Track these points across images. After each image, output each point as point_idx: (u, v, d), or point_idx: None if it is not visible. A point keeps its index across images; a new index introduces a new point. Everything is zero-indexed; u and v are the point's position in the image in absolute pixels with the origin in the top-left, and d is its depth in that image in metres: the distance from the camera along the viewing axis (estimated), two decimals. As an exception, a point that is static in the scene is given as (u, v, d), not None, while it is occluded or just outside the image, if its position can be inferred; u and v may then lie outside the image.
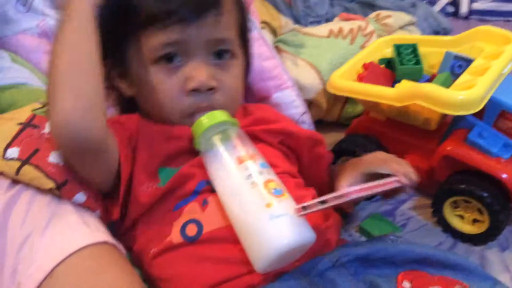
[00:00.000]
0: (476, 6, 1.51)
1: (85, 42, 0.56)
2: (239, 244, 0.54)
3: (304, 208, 0.53)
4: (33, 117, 0.63)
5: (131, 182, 0.60)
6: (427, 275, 0.56)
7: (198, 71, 0.61)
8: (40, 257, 0.53)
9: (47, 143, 0.61)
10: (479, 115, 0.76)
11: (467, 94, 0.69)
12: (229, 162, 0.57)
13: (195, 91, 0.61)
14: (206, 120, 0.59)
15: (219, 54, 0.63)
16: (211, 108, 0.61)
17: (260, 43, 0.83)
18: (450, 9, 1.51)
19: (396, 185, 0.57)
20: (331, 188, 0.69)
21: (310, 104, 0.96)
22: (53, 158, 0.60)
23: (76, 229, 0.56)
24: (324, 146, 0.73)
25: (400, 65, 0.85)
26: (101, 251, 0.55)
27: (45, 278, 0.51)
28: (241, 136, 0.60)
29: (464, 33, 0.90)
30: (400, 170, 0.61)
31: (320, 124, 0.97)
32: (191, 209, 0.59)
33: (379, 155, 0.67)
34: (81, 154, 0.55)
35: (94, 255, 0.55)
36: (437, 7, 1.50)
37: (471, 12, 1.48)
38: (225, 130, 0.59)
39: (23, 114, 0.63)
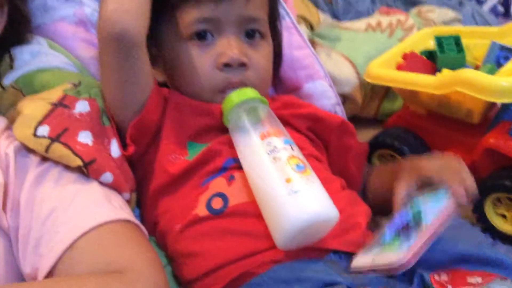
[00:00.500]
0: (529, 5, 1.44)
1: None
2: (263, 220, 0.54)
3: (355, 267, 0.53)
4: (64, 97, 0.64)
5: (156, 149, 0.62)
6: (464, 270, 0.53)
7: (230, 47, 0.63)
8: (62, 231, 0.54)
9: (77, 122, 0.62)
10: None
11: (509, 81, 0.65)
12: (254, 136, 0.57)
13: (227, 66, 0.63)
14: (235, 96, 0.60)
15: (250, 34, 0.65)
16: (242, 84, 0.63)
17: (292, 32, 0.82)
18: (500, 9, 1.45)
19: (453, 212, 0.55)
20: (369, 187, 0.72)
21: (345, 99, 0.94)
22: (82, 137, 0.61)
23: (99, 206, 0.57)
24: (355, 137, 0.73)
25: (440, 53, 0.82)
26: (123, 228, 0.56)
27: (65, 250, 0.52)
28: (269, 114, 0.60)
29: (509, 23, 0.85)
30: (456, 184, 0.58)
31: (356, 120, 0.94)
32: (218, 184, 0.60)
33: (438, 162, 0.63)
34: (120, 54, 0.59)
35: (115, 231, 0.55)
36: (486, 6, 1.44)
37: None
38: (254, 107, 0.60)
39: (54, 94, 0.65)
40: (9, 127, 0.65)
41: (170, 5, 0.64)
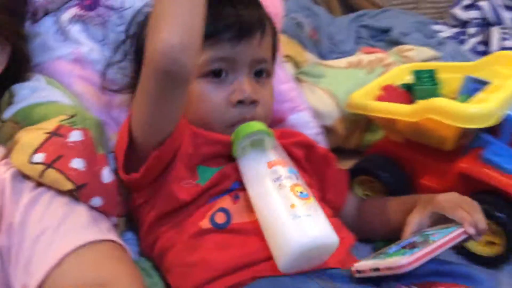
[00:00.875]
0: (508, 44, 1.51)
1: None
2: (262, 239, 0.58)
3: (358, 271, 0.57)
4: (59, 127, 0.68)
5: (167, 175, 0.65)
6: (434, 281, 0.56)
7: (244, 85, 0.68)
8: (50, 250, 0.57)
9: (70, 150, 0.66)
10: (495, 134, 0.76)
11: (478, 107, 0.70)
12: (260, 165, 0.62)
13: (241, 103, 0.67)
14: (245, 128, 0.64)
15: (259, 73, 0.71)
16: (253, 119, 0.67)
17: (278, 68, 0.87)
18: (481, 48, 1.52)
19: (461, 238, 0.59)
20: (368, 215, 0.77)
21: (328, 131, 0.98)
22: (74, 163, 0.65)
23: (87, 227, 0.60)
24: (335, 166, 0.79)
25: (416, 86, 0.87)
26: (107, 247, 0.59)
27: (53, 268, 0.55)
28: (276, 145, 0.65)
29: (483, 58, 0.92)
30: (467, 219, 0.61)
31: (339, 151, 0.98)
32: (223, 201, 0.64)
33: (453, 197, 0.67)
34: (167, 88, 0.57)
35: (100, 250, 0.59)
36: (467, 46, 1.51)
37: (503, 49, 1.48)
38: (262, 139, 0.65)
39: (50, 124, 0.69)
40: (7, 156, 0.69)
41: None
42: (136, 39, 0.79)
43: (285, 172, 0.61)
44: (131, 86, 0.80)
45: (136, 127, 0.64)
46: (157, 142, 0.62)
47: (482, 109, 0.69)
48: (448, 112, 0.70)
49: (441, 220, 0.64)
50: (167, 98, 0.58)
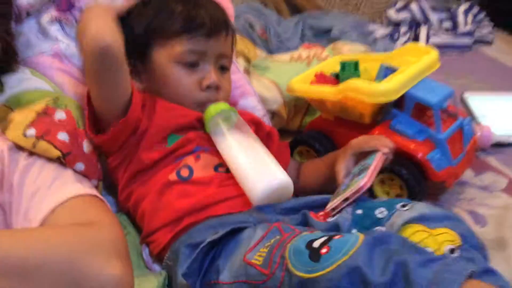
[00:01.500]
0: (434, 40, 1.72)
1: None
2: (218, 188, 0.76)
3: (333, 209, 0.74)
4: (46, 107, 0.82)
5: (138, 142, 0.81)
6: None
7: (212, 74, 0.85)
8: (45, 202, 0.71)
9: (56, 126, 0.80)
10: (400, 108, 0.95)
11: (384, 85, 0.88)
12: (233, 131, 0.81)
13: (208, 87, 0.84)
14: (215, 106, 0.82)
15: (221, 67, 0.88)
16: (217, 101, 0.85)
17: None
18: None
19: (385, 157, 0.79)
20: (305, 175, 0.94)
21: (273, 115, 1.15)
22: (60, 136, 0.79)
23: (74, 184, 0.75)
24: (278, 140, 0.95)
25: (341, 73, 1.05)
26: (91, 199, 0.74)
27: (48, 214, 0.69)
28: (239, 119, 0.83)
29: (396, 49, 1.10)
30: (378, 144, 0.81)
31: (283, 131, 1.15)
32: (187, 159, 0.80)
33: (362, 137, 0.87)
34: (104, 65, 0.74)
35: (85, 201, 0.73)
36: (399, 43, 1.72)
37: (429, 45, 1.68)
38: (229, 115, 0.83)
39: (39, 106, 0.83)
40: (1, 134, 0.83)
41: (166, 35, 0.84)
42: None
43: (253, 134, 0.82)
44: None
45: (94, 101, 0.79)
46: (120, 110, 0.78)
47: (385, 87, 0.87)
48: (360, 90, 0.89)
49: (361, 156, 0.83)
50: (106, 74, 0.75)
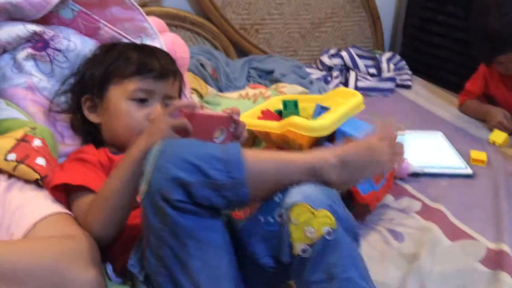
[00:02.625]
0: (360, 84, 1.95)
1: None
2: None
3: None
4: (25, 135, 0.93)
5: None
6: None
7: (158, 108, 0.98)
8: (27, 217, 0.81)
9: (34, 152, 0.91)
10: (332, 141, 1.12)
11: (318, 123, 1.06)
12: None
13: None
14: None
15: (167, 105, 1.01)
16: None
17: (183, 97, 1.18)
18: (342, 86, 1.94)
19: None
20: None
21: (224, 144, 1.29)
22: (38, 161, 0.90)
23: (52, 203, 0.86)
24: None
25: (284, 110, 1.22)
26: (66, 216, 0.85)
27: (31, 228, 0.79)
28: None
29: (328, 92, 1.30)
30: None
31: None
32: None
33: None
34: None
35: (63, 217, 0.85)
36: (331, 85, 1.93)
37: (357, 88, 1.91)
38: None
39: (17, 134, 0.93)
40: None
41: (122, 75, 0.98)
42: (78, 76, 1.07)
43: None
44: (71, 109, 1.08)
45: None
46: None
47: (320, 124, 1.05)
48: (299, 126, 1.06)
49: None
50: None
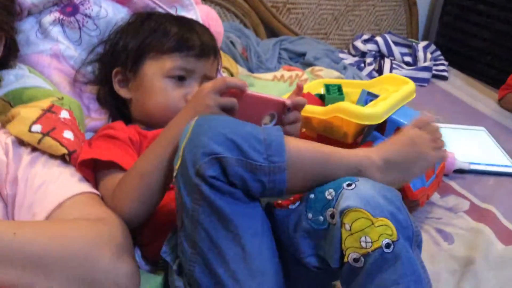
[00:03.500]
0: (396, 72, 1.85)
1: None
2: None
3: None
4: (52, 105, 0.84)
5: None
6: None
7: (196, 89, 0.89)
8: (51, 196, 0.73)
9: (62, 124, 0.82)
10: (382, 132, 1.03)
11: (370, 110, 0.96)
12: None
13: None
14: None
15: None
16: None
17: (217, 75, 1.09)
18: (375, 74, 1.85)
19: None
20: None
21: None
22: (66, 134, 0.81)
23: (79, 182, 0.77)
24: None
25: (327, 95, 1.13)
26: (95, 197, 0.77)
27: (55, 208, 0.71)
28: None
29: (375, 78, 1.19)
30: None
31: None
32: None
33: None
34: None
35: (91, 198, 0.76)
36: (365, 72, 1.83)
37: (391, 76, 1.81)
38: None
39: (44, 103, 0.84)
40: (1, 128, 0.83)
41: (160, 51, 0.91)
42: (108, 45, 0.98)
43: None
44: (98, 80, 0.99)
45: None
46: None
47: (372, 111, 0.95)
48: (350, 112, 0.96)
49: None
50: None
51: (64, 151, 0.79)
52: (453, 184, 1.21)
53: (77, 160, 0.80)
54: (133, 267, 0.70)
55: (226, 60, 1.40)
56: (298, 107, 0.81)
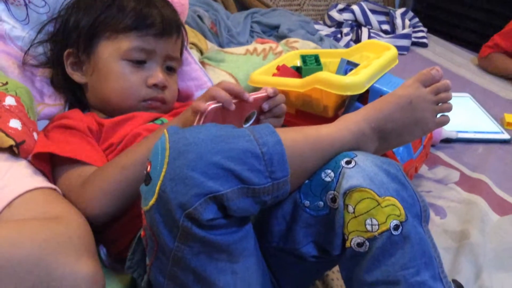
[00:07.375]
0: (374, 42, 1.77)
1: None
2: None
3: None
4: (-5, 92, 0.74)
5: None
6: None
7: (159, 73, 0.82)
8: (1, 194, 0.64)
9: (7, 112, 0.72)
10: (364, 103, 0.96)
11: (351, 79, 0.88)
12: None
13: (155, 86, 0.81)
14: None
15: (168, 67, 0.85)
16: (163, 100, 0.83)
17: (185, 52, 1.00)
18: (353, 44, 1.76)
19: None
20: None
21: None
22: (12, 123, 0.72)
23: (29, 176, 0.68)
24: None
25: (304, 66, 1.04)
26: (49, 192, 0.68)
27: (3, 209, 0.62)
28: None
29: (355, 45, 1.11)
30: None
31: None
32: None
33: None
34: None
35: (44, 193, 0.67)
36: (342, 42, 1.75)
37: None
38: None
39: (-17, 90, 0.75)
40: None
41: (114, 29, 0.80)
42: (59, 22, 0.87)
43: None
44: (50, 62, 0.89)
45: None
46: None
47: (353, 80, 0.87)
48: (330, 82, 0.88)
49: None
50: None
51: (11, 142, 0.69)
52: (441, 154, 1.15)
53: (27, 151, 0.70)
54: (94, 270, 0.61)
55: (193, 36, 1.30)
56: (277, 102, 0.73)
